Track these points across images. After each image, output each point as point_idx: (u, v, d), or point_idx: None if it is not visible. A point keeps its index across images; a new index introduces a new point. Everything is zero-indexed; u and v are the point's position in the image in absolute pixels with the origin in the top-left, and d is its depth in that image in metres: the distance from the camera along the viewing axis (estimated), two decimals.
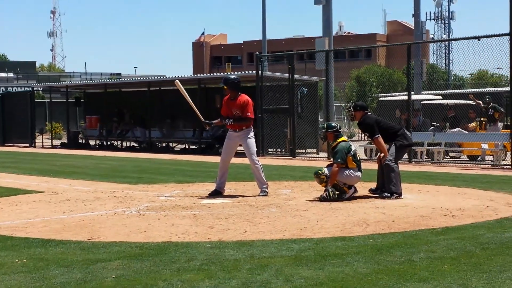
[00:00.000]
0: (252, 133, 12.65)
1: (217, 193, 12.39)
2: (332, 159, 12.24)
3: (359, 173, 11.72)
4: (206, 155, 26.42)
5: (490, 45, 19.26)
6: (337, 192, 11.60)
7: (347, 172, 11.59)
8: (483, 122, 22.25)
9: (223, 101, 12.62)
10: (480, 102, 22.17)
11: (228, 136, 12.63)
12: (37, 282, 6.14)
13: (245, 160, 13.08)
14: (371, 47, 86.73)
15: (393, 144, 11.98)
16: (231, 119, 12.36)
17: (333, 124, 12.35)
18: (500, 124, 22.16)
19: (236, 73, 24.45)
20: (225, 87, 12.44)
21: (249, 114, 12.44)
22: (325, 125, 12.40)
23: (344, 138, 12.01)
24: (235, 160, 13.04)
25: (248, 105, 12.47)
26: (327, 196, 11.42)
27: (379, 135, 11.93)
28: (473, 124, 22.07)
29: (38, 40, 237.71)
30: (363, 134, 38.23)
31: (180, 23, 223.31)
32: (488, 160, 21.10)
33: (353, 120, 12.64)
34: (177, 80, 13.40)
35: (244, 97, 12.44)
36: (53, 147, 35.48)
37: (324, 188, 11.58)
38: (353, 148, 11.88)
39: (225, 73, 33.08)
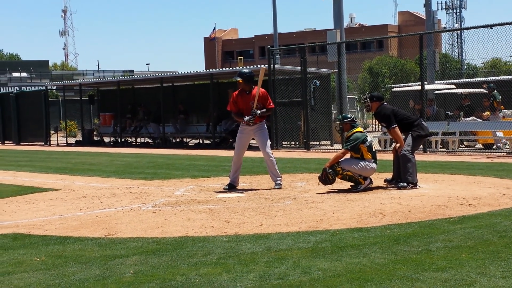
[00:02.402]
0: (265, 126, 12.68)
1: (231, 187, 12.41)
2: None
3: (374, 165, 11.69)
4: (220, 149, 26.45)
5: (502, 33, 19.19)
6: (352, 184, 11.61)
7: (362, 163, 11.57)
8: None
9: (232, 96, 12.59)
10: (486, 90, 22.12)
11: (241, 130, 12.63)
12: (56, 279, 6.17)
13: (259, 154, 13.08)
14: (383, 38, 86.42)
15: (410, 135, 11.94)
16: (258, 111, 12.34)
17: (348, 115, 12.35)
18: (501, 114, 22.04)
19: (248, 67, 24.42)
20: (240, 81, 12.43)
21: (272, 104, 12.66)
22: (341, 116, 12.40)
23: (360, 128, 11.99)
24: (249, 154, 13.05)
25: (268, 95, 12.70)
26: (322, 176, 11.49)
27: (396, 125, 11.89)
28: (487, 113, 21.96)
29: (50, 39, 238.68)
30: (377, 125, 38.22)
31: (191, 19, 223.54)
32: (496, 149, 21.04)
33: (369, 111, 12.60)
34: (263, 67, 13.52)
35: (261, 89, 12.48)
36: (67, 145, 35.61)
37: (322, 169, 11.63)
38: (368, 139, 11.86)
39: (238, 67, 33.07)
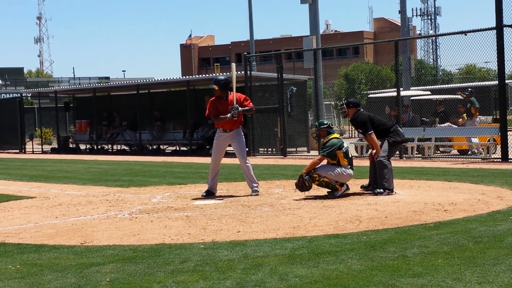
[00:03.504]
0: (242, 133, 12.70)
1: (209, 194, 12.40)
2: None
3: (350, 171, 11.72)
4: (197, 156, 26.41)
5: (477, 40, 19.35)
6: (328, 190, 11.64)
7: (338, 169, 11.59)
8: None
9: (209, 103, 12.59)
10: (463, 95, 22.31)
11: (218, 136, 12.63)
12: None
13: (236, 161, 13.08)
14: (358, 45, 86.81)
15: (386, 141, 12.00)
16: (237, 106, 12.31)
17: (325, 122, 12.37)
18: (477, 119, 22.23)
19: (224, 74, 24.44)
20: (216, 88, 12.43)
21: (251, 104, 12.72)
22: (317, 123, 12.40)
23: (336, 135, 12.01)
24: (226, 161, 13.04)
25: (247, 97, 12.78)
26: (299, 183, 11.55)
27: (372, 131, 11.93)
28: (463, 116, 22.11)
29: (25, 46, 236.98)
30: (354, 131, 38.31)
31: (167, 26, 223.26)
32: (471, 155, 21.23)
33: (345, 117, 12.64)
34: (233, 63, 13.58)
35: (237, 94, 12.50)
36: (43, 152, 35.35)
37: (298, 178, 11.66)
38: (345, 145, 11.89)
39: (214, 74, 33.04)
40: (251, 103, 12.76)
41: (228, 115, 12.26)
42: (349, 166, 11.72)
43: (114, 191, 14.18)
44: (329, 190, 11.63)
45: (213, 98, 12.60)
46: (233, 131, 12.48)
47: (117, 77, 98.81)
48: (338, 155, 11.64)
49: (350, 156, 11.88)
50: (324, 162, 11.78)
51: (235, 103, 12.29)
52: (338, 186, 11.61)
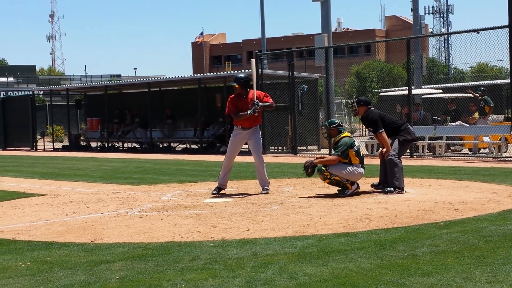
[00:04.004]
0: (259, 131, 12.69)
1: (219, 190, 12.39)
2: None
3: (361, 170, 11.70)
4: (208, 154, 26.43)
5: (489, 38, 19.27)
6: (339, 188, 11.63)
7: (350, 168, 11.57)
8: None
9: (229, 101, 12.56)
10: (475, 94, 22.22)
11: (236, 134, 12.57)
12: (41, 285, 6.14)
13: (247, 158, 13.09)
14: (370, 43, 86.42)
15: (396, 139, 11.96)
16: (258, 102, 12.28)
17: (335, 121, 12.35)
18: (490, 118, 22.14)
19: (239, 71, 24.39)
20: (237, 86, 12.39)
21: (271, 100, 12.69)
22: (327, 122, 12.38)
23: (347, 133, 11.99)
24: (236, 159, 13.03)
25: (266, 94, 12.78)
26: (308, 167, 11.67)
27: (383, 130, 11.89)
28: (476, 115, 22.03)
29: (38, 43, 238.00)
30: (364, 130, 38.25)
31: (179, 24, 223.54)
32: (483, 153, 21.20)
33: (356, 115, 12.62)
34: (253, 59, 13.52)
35: (257, 91, 12.50)
36: (54, 150, 35.48)
37: (310, 162, 11.67)
38: (356, 144, 11.87)
39: (226, 72, 33.09)
40: (270, 99, 12.70)
41: (249, 111, 12.21)
42: (361, 165, 11.70)
43: (124, 188, 14.20)
44: (340, 188, 11.61)
45: (233, 95, 12.58)
46: (251, 128, 12.45)
47: (129, 75, 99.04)
48: (350, 154, 11.62)
49: (361, 154, 11.86)
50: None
51: (255, 99, 12.27)
52: (349, 184, 11.59)
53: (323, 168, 11.67)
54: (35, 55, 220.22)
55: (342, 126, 12.23)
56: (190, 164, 21.09)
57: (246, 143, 12.82)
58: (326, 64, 24.24)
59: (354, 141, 11.90)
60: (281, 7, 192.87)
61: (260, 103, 12.28)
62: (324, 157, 12.30)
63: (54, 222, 9.91)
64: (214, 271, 6.38)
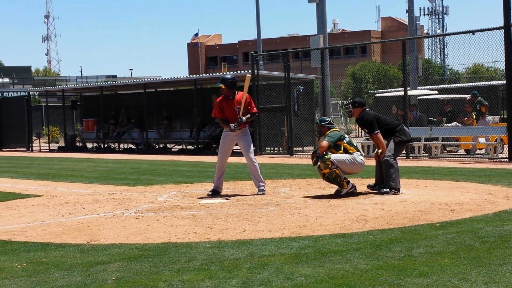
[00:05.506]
0: (248, 132, 12.70)
1: (215, 193, 12.40)
2: None
3: (361, 157, 11.69)
4: (204, 155, 26.42)
5: (484, 39, 19.28)
6: (337, 188, 11.62)
7: (350, 158, 11.51)
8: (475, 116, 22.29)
9: (216, 102, 12.58)
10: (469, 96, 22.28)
11: (225, 136, 12.63)
12: (38, 286, 6.13)
13: (242, 159, 13.08)
14: (366, 44, 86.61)
15: (392, 140, 11.97)
16: (242, 118, 12.32)
17: (326, 119, 12.36)
18: (489, 118, 22.17)
19: (231, 72, 24.47)
20: (223, 87, 12.41)
21: (255, 109, 12.71)
22: (318, 120, 12.40)
23: (336, 128, 12.03)
24: (232, 160, 13.05)
25: (251, 100, 12.75)
26: (314, 157, 11.61)
27: (379, 131, 11.89)
28: (472, 115, 22.05)
29: (33, 44, 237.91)
30: (360, 131, 38.24)
31: (175, 25, 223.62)
32: (479, 154, 21.22)
33: (351, 116, 12.61)
34: (248, 75, 13.46)
35: (247, 94, 12.49)
36: (50, 150, 35.41)
37: (317, 155, 11.67)
38: (346, 137, 11.92)
39: (221, 73, 33.06)
40: (254, 108, 12.72)
41: (232, 126, 12.29)
42: (359, 153, 11.71)
43: (120, 189, 14.20)
44: (336, 185, 11.56)
45: (220, 98, 12.58)
46: (240, 130, 12.47)
47: (124, 75, 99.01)
48: (342, 145, 11.61)
49: (355, 145, 11.88)
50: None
51: (242, 105, 12.28)
52: (345, 183, 11.55)
53: (325, 156, 11.54)
54: (31, 56, 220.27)
55: (333, 124, 12.23)
56: (186, 165, 21.07)
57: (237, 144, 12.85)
58: (322, 65, 24.25)
59: (344, 134, 11.97)
60: (276, 8, 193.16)
61: (243, 118, 12.31)
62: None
63: (50, 223, 9.90)
64: (210, 272, 6.39)
